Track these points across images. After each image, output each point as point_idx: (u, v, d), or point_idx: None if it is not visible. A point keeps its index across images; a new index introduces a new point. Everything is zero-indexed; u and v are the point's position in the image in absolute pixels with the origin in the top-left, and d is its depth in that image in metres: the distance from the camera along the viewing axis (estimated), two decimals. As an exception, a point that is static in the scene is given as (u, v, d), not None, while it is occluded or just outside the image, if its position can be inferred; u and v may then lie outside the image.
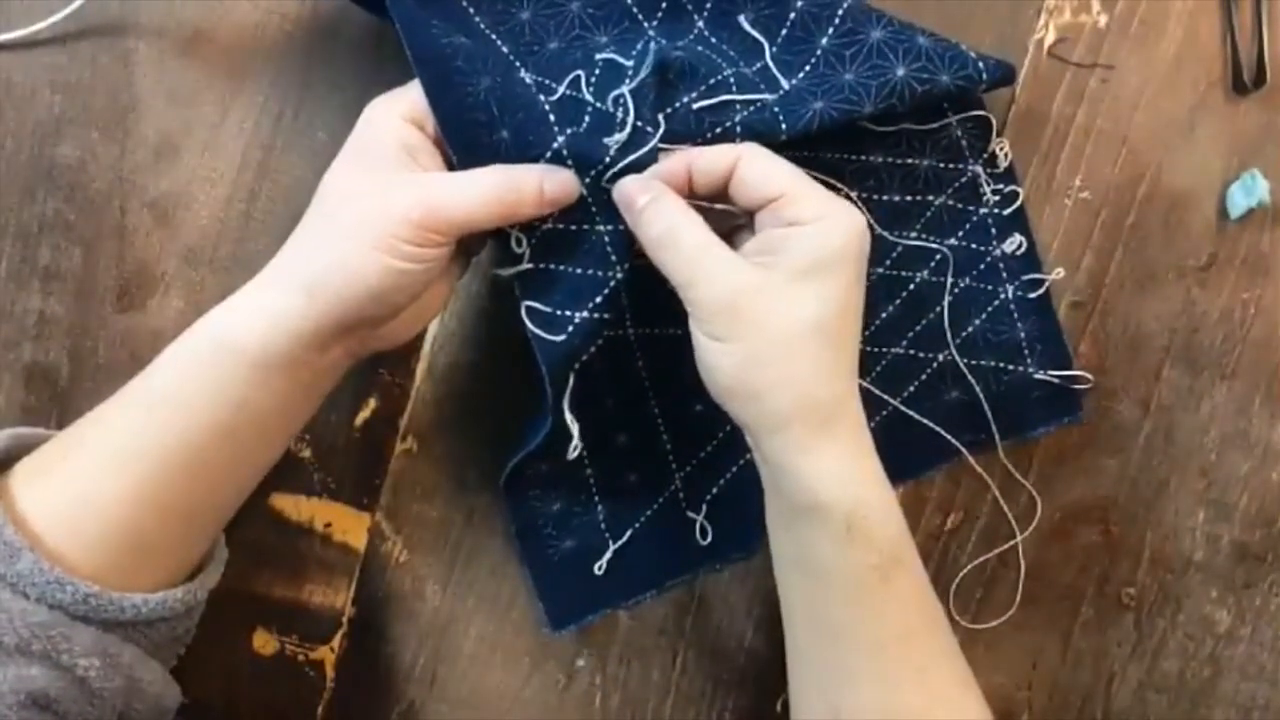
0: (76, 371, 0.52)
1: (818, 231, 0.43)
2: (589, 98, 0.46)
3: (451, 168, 0.45)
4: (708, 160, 0.45)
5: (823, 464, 0.43)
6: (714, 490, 0.55)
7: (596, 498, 0.55)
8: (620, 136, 0.44)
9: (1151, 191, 0.56)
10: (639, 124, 0.44)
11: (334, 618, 0.55)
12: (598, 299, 0.45)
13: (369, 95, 0.50)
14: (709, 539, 0.55)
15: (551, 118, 0.45)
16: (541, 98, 0.46)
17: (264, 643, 0.55)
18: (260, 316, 0.43)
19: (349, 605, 0.55)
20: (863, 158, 0.52)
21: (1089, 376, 0.56)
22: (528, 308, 0.46)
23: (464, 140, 0.44)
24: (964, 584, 0.57)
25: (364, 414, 0.54)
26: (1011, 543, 0.57)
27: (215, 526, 0.47)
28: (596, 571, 0.55)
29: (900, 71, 0.47)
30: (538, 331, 0.46)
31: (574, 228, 0.46)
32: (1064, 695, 0.59)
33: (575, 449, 0.48)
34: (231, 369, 0.42)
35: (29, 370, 0.52)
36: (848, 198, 0.52)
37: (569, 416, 0.47)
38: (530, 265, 0.46)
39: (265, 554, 0.54)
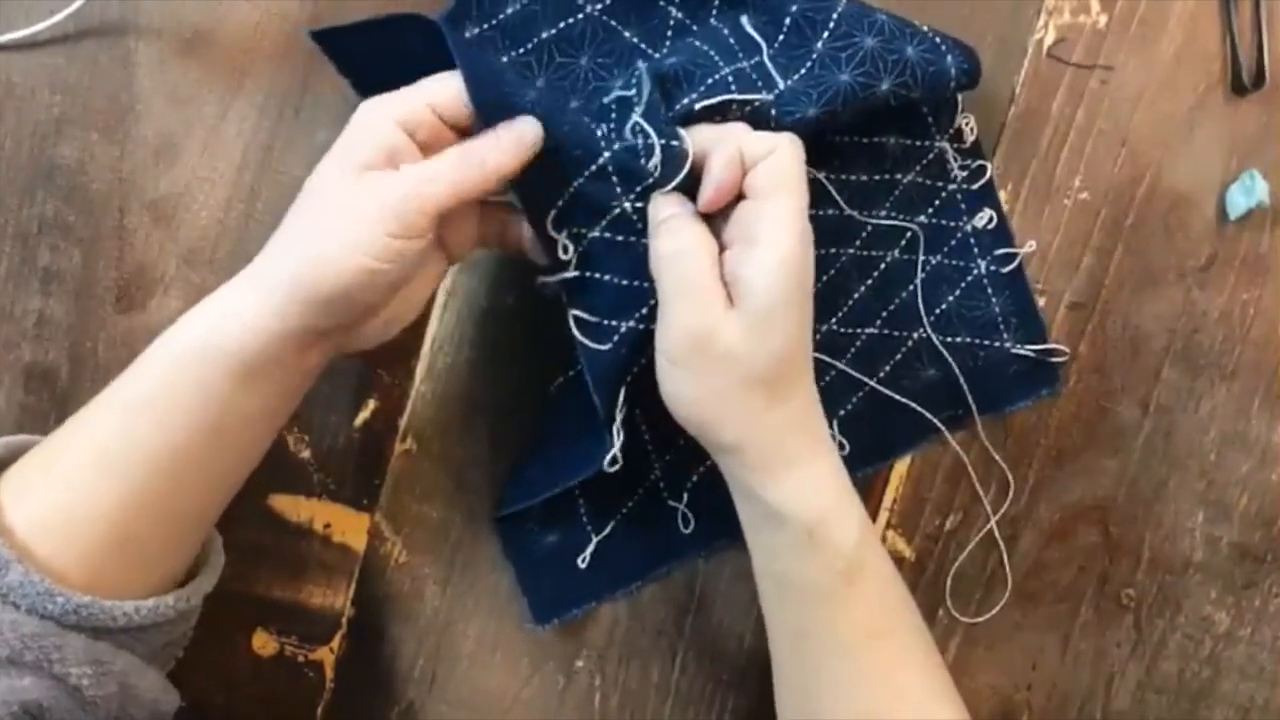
0: (76, 372, 0.52)
1: (774, 269, 0.43)
2: (615, 144, 0.45)
3: None
4: (752, 148, 0.44)
5: (777, 483, 0.45)
6: (694, 478, 0.55)
7: (577, 491, 0.55)
8: (656, 160, 0.45)
9: (1151, 192, 0.56)
10: (663, 141, 0.45)
11: (334, 618, 0.55)
12: (643, 310, 0.46)
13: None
14: (691, 527, 0.55)
15: (598, 133, 0.45)
16: (586, 119, 0.46)
17: (264, 643, 0.55)
18: (237, 318, 0.42)
19: (348, 606, 0.55)
20: (828, 137, 0.52)
21: (1065, 349, 0.56)
22: (575, 317, 0.47)
23: None
24: (963, 584, 0.57)
25: (364, 414, 0.54)
26: (988, 526, 0.57)
27: (204, 527, 0.47)
28: (580, 565, 0.55)
29: (885, 86, 0.48)
30: (584, 340, 0.47)
31: (620, 238, 0.46)
32: (1064, 695, 0.59)
33: (615, 465, 0.48)
34: (210, 370, 0.42)
35: (29, 370, 0.52)
36: (815, 179, 0.52)
37: (617, 427, 0.47)
38: (576, 273, 0.46)
39: (265, 555, 0.54)
